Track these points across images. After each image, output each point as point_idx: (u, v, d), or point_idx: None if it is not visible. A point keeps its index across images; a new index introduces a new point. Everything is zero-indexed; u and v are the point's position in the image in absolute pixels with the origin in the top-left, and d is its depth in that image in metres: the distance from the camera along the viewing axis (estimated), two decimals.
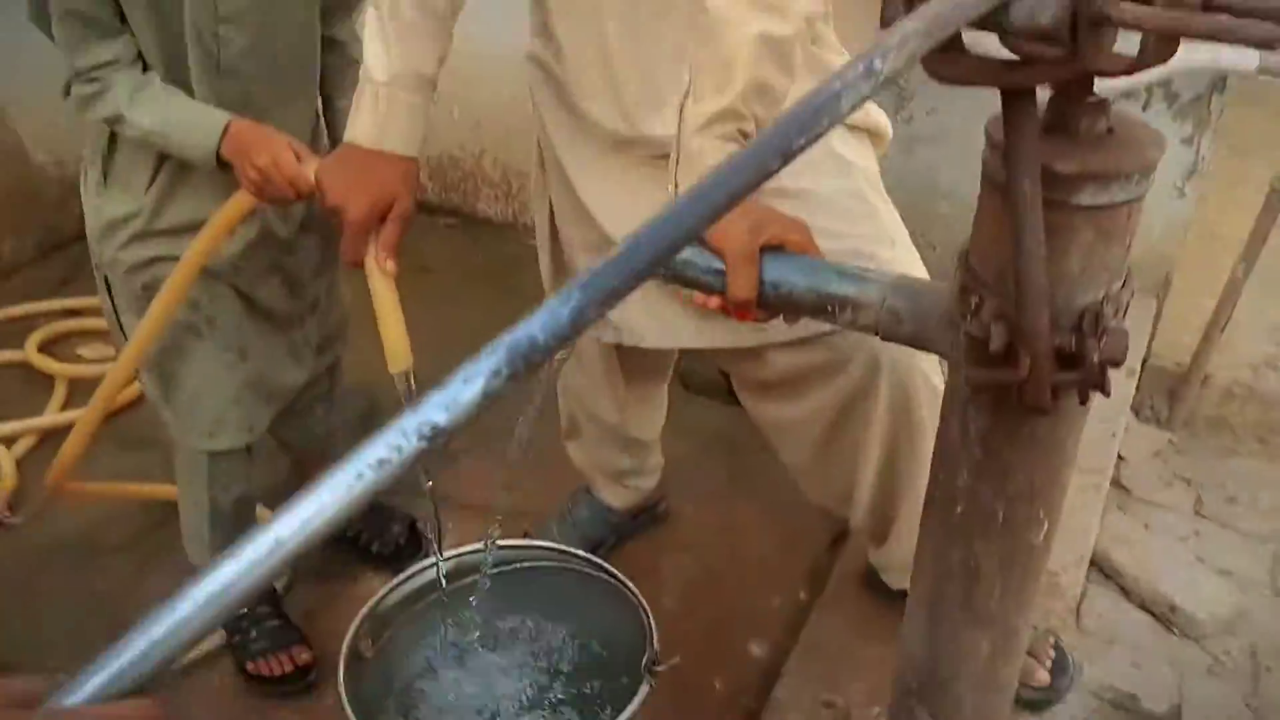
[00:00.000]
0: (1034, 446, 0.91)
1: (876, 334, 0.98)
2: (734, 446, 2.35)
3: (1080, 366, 0.82)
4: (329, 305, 1.81)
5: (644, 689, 1.26)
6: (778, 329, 1.30)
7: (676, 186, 1.10)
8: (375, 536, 2.06)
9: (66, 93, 1.48)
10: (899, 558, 1.59)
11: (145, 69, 1.46)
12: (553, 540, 1.98)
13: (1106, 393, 0.82)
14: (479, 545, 1.49)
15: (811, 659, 1.60)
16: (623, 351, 1.73)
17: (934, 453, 1.00)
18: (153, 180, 1.53)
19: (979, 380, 0.85)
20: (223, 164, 1.43)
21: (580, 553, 1.45)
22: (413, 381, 1.33)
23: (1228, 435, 2.45)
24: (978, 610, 1.00)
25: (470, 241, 3.22)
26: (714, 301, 1.08)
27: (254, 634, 1.85)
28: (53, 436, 2.41)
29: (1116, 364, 0.83)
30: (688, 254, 1.09)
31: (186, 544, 1.86)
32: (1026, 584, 1.00)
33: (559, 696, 1.49)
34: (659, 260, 0.53)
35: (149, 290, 1.57)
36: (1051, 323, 0.82)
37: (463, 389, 0.47)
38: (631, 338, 1.51)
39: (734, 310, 1.03)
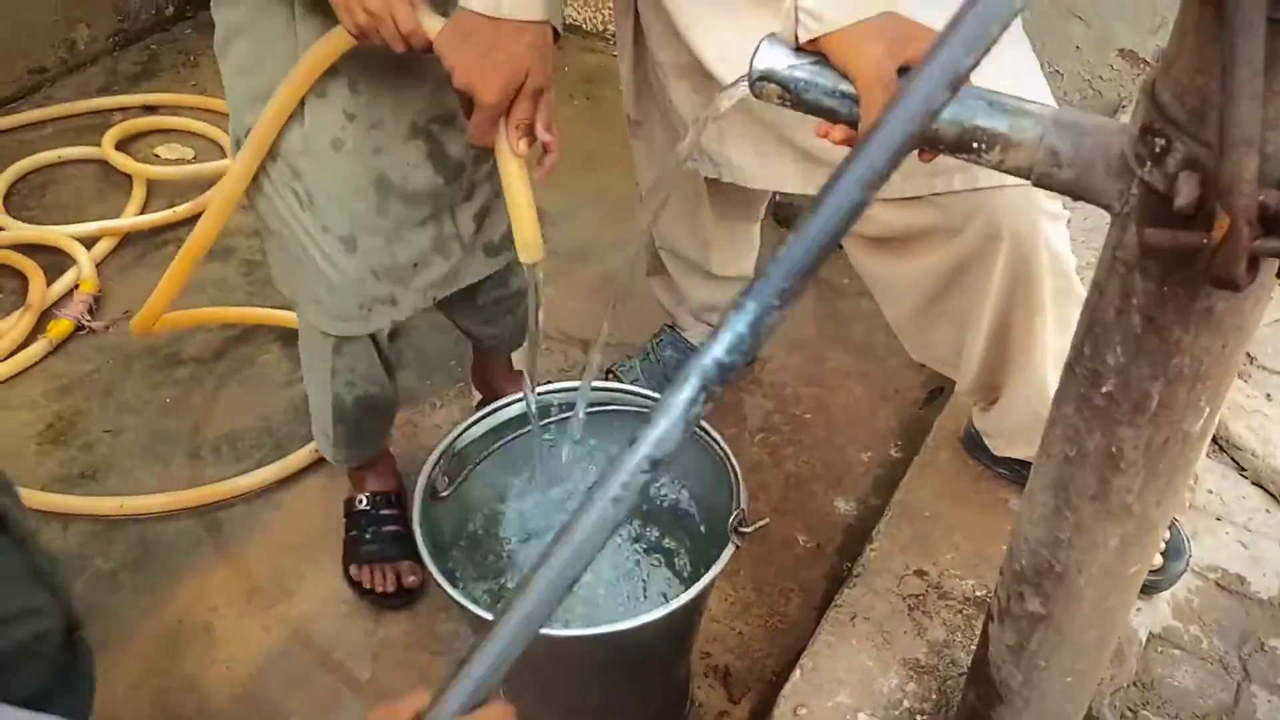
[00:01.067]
0: (1209, 324, 0.77)
1: (1029, 178, 0.84)
2: (827, 288, 2.22)
3: None
4: (495, 195, 1.50)
5: (729, 550, 1.19)
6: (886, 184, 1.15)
7: (796, 7, 0.93)
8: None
9: None
10: (1007, 425, 1.48)
11: None
12: (635, 379, 1.91)
13: None
14: (566, 384, 1.41)
15: (903, 523, 1.51)
16: (712, 185, 1.60)
17: (1081, 321, 0.87)
18: None
19: (1158, 243, 0.71)
20: None
21: None
22: (539, 277, 1.20)
23: None
24: (1113, 502, 0.89)
25: (555, 49, 3.04)
26: (838, 133, 0.93)
27: (369, 535, 1.71)
28: (133, 239, 2.38)
29: None
30: (808, 73, 0.94)
31: (314, 429, 1.70)
32: (1175, 477, 0.88)
33: (641, 547, 1.43)
34: (833, 243, 0.52)
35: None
36: (1259, 176, 0.66)
37: (667, 426, 0.53)
38: (731, 174, 1.38)
39: None
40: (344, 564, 1.72)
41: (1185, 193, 0.69)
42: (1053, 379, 1.35)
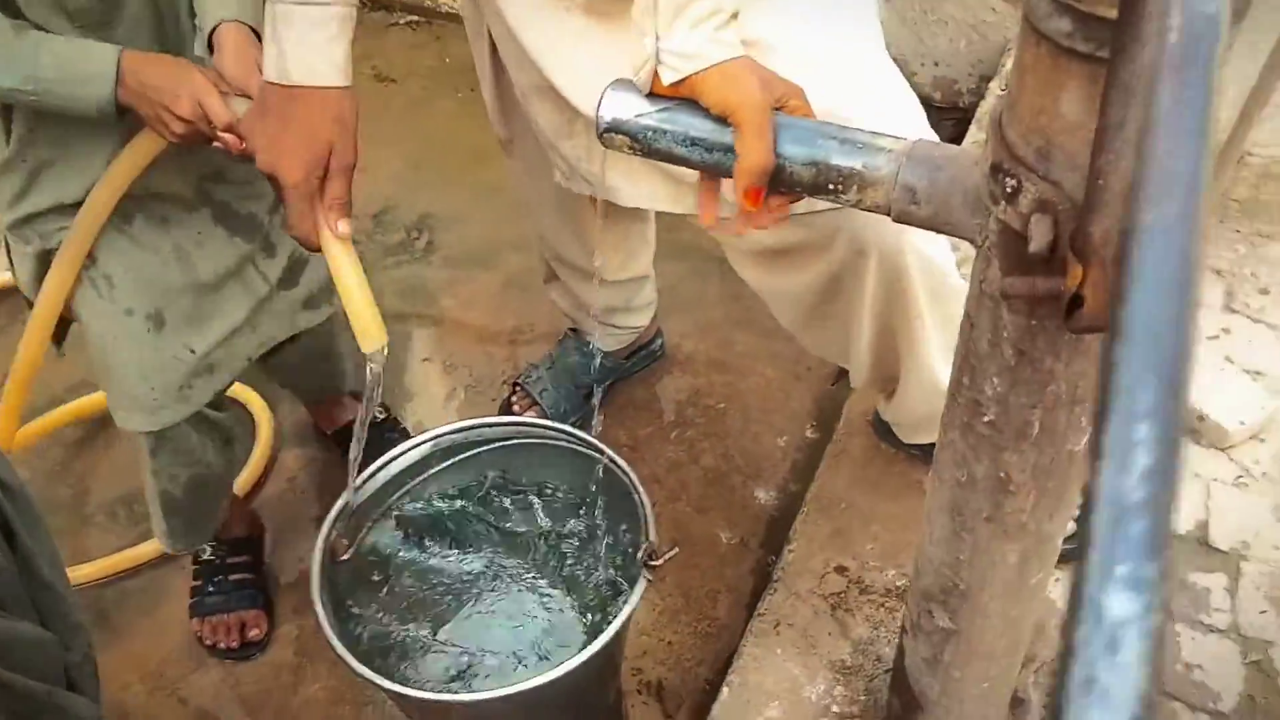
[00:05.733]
0: (1080, 352, 0.76)
1: (889, 215, 0.81)
2: (730, 269, 2.16)
3: None
4: (299, 249, 1.42)
5: (641, 584, 1.17)
6: None
7: (657, 37, 0.89)
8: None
9: None
10: (906, 416, 1.47)
11: None
12: (543, 389, 1.87)
13: None
14: (463, 424, 1.37)
15: (820, 518, 1.50)
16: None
17: (958, 352, 0.85)
18: (7, 122, 1.19)
19: (1015, 293, 0.69)
20: (121, 110, 1.13)
21: (568, 429, 1.33)
22: (381, 364, 1.11)
23: (1263, 219, 2.27)
24: (1008, 523, 0.88)
25: (432, 40, 2.94)
26: (727, 190, 0.91)
27: (213, 586, 1.64)
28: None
29: None
30: (657, 120, 0.90)
31: (152, 522, 1.61)
32: (1066, 492, 0.87)
33: (552, 581, 1.40)
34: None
35: (43, 260, 1.28)
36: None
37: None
38: (604, 192, 1.34)
39: (744, 192, 0.86)
40: (189, 616, 1.66)
41: (1039, 237, 0.67)
42: (942, 371, 1.34)
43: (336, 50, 1.01)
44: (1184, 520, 1.68)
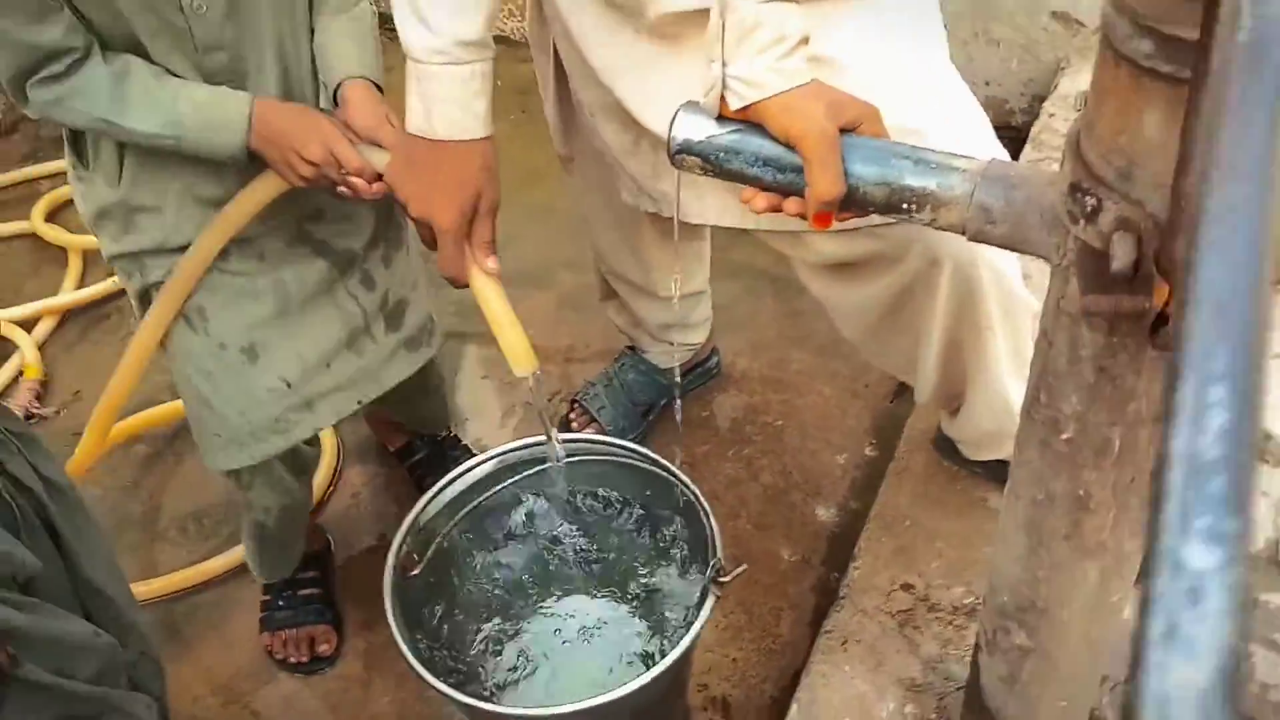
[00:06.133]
0: (1163, 369, 0.76)
1: (963, 234, 0.82)
2: (785, 285, 2.18)
3: None
4: (398, 289, 1.44)
5: (710, 602, 1.18)
6: None
7: (724, 63, 0.91)
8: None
9: (18, 93, 1.14)
10: (972, 433, 1.46)
11: (104, 47, 1.13)
12: (601, 406, 1.89)
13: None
14: (529, 440, 1.38)
15: (884, 536, 1.49)
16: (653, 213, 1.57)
17: (1033, 368, 0.85)
18: (121, 162, 1.22)
19: (1099, 309, 0.69)
20: (251, 156, 1.18)
21: (638, 448, 1.34)
22: (540, 383, 1.18)
23: None
24: (1086, 540, 0.88)
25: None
26: (760, 201, 0.92)
27: (283, 601, 1.67)
28: (74, 315, 2.32)
29: None
30: (729, 141, 0.91)
31: (245, 552, 1.65)
32: (1148, 509, 0.87)
33: (618, 596, 1.42)
34: None
35: (144, 299, 1.32)
36: None
37: None
38: (671, 209, 1.35)
39: (814, 216, 0.87)
40: (259, 630, 1.69)
41: (1121, 256, 0.67)
42: (1013, 386, 1.33)
43: (479, 104, 1.07)
44: (1256, 539, 1.65)
